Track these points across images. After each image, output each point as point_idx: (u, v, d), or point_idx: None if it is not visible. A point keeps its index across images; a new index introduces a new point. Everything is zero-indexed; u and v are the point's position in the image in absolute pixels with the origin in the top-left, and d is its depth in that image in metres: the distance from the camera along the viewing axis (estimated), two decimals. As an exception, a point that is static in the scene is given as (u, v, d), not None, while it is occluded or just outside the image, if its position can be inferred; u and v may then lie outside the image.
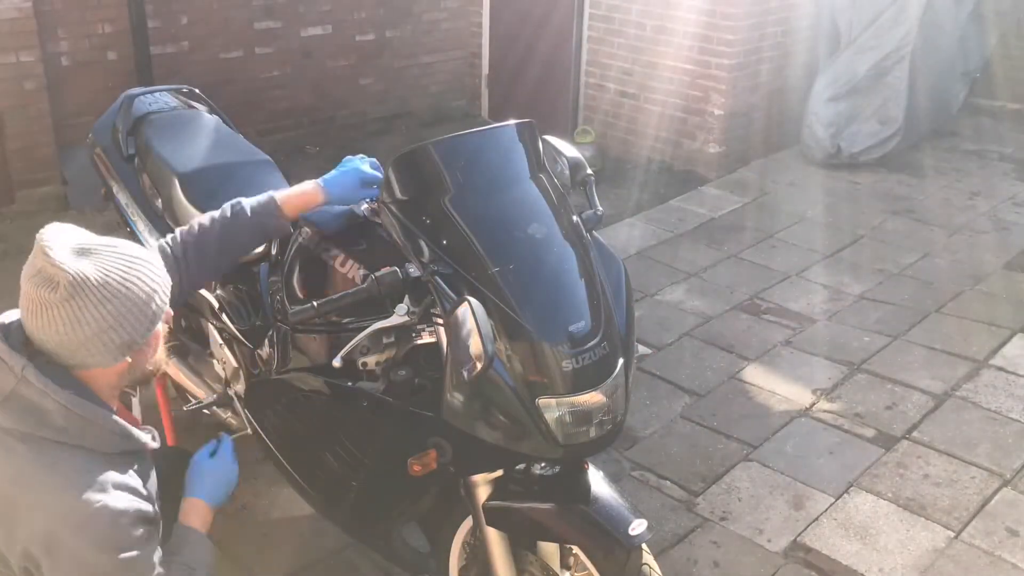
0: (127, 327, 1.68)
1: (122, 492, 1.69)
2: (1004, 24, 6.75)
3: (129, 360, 1.73)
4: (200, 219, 2.20)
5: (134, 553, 1.69)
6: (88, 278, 1.63)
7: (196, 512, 2.01)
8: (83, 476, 1.65)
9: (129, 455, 1.77)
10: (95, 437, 1.69)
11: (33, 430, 1.65)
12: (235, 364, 2.70)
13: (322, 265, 2.25)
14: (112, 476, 1.69)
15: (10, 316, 1.75)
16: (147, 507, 1.73)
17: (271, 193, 2.23)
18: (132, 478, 1.73)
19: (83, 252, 1.66)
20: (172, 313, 1.87)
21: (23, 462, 1.64)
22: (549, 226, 2.03)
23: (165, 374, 2.97)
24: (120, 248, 1.71)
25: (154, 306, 1.73)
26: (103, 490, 1.66)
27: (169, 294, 1.80)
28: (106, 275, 1.65)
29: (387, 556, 2.50)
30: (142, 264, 1.72)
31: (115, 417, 1.73)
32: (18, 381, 1.64)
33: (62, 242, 1.65)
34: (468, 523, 2.22)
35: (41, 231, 1.67)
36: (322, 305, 1.96)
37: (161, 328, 1.79)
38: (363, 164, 2.27)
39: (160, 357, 1.85)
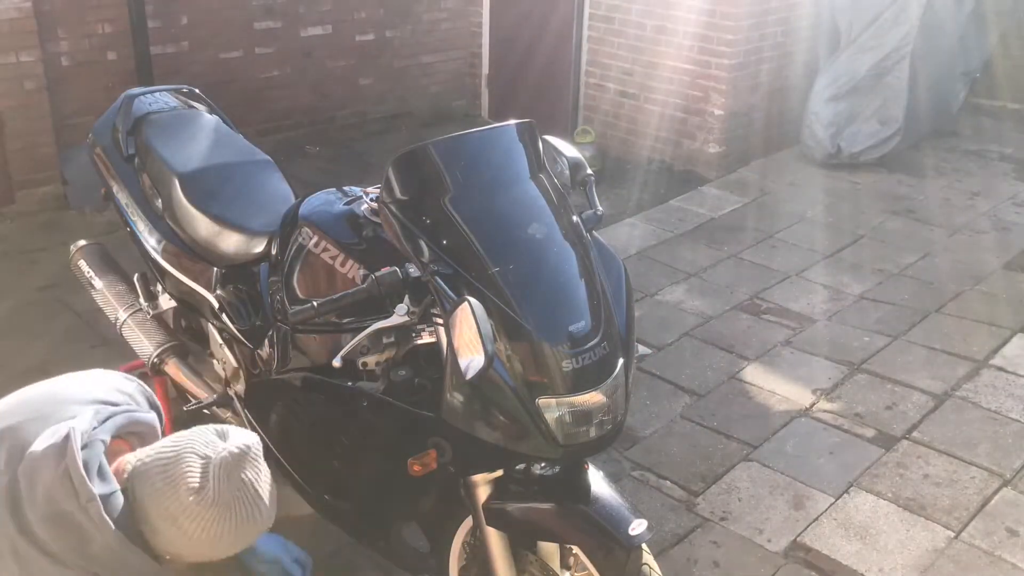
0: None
1: None
2: (1005, 24, 6.75)
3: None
4: None
5: None
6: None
7: None
8: None
9: None
10: (129, 573, 1.67)
11: (72, 556, 1.62)
12: (235, 364, 2.70)
13: (322, 265, 2.25)
14: None
15: (84, 424, 1.69)
16: None
17: None
18: None
19: None
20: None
21: None
22: (549, 226, 2.03)
23: (166, 374, 2.98)
24: None
25: None
26: None
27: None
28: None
29: (387, 556, 2.50)
30: None
31: (150, 565, 1.70)
32: (79, 509, 1.60)
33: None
34: (468, 523, 2.22)
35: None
36: (322, 305, 1.96)
37: None
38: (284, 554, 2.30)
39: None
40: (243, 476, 1.65)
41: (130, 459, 1.70)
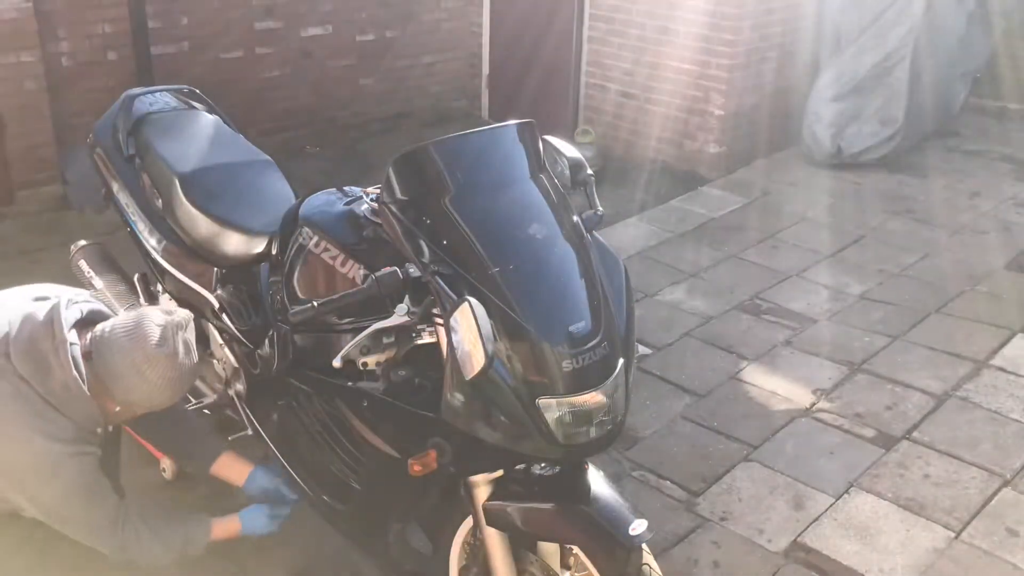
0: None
1: (84, 446, 2.11)
2: (1006, 24, 6.74)
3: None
4: None
5: (96, 494, 2.14)
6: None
7: (225, 524, 2.43)
8: (53, 429, 2.05)
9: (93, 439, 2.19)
10: (75, 411, 2.08)
11: (36, 383, 2.03)
12: (235, 364, 2.70)
13: (322, 265, 2.25)
14: (79, 434, 2.10)
15: (67, 295, 2.18)
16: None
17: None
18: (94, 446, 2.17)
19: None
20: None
21: (16, 404, 2.03)
22: (549, 226, 2.04)
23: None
24: None
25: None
26: (68, 442, 2.06)
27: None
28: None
29: (387, 557, 2.50)
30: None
31: (95, 410, 2.12)
32: (51, 349, 2.05)
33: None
34: (468, 523, 2.22)
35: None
36: (322, 305, 1.97)
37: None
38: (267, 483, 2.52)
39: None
40: (187, 336, 2.14)
41: (94, 331, 2.13)
